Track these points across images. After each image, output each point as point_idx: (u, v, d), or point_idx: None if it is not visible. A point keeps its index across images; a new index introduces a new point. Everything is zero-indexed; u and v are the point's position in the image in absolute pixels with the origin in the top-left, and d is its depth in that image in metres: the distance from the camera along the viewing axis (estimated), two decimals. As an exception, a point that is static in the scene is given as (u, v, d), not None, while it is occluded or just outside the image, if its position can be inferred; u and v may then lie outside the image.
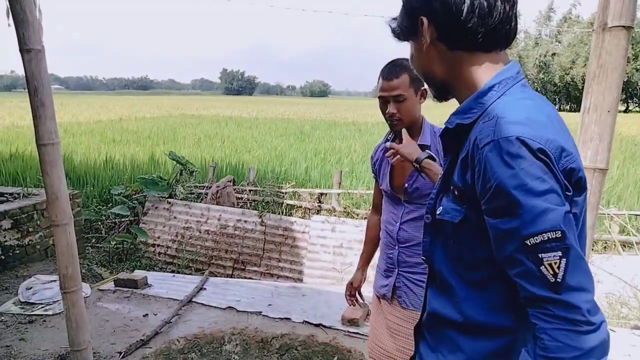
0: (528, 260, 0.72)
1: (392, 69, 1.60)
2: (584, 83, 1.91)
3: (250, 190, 7.15)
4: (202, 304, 3.59)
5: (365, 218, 5.95)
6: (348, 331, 3.12)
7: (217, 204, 6.57)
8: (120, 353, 2.78)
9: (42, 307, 3.41)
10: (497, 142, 0.74)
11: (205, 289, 3.94)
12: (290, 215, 6.54)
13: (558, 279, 0.71)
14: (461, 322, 0.89)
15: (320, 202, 6.83)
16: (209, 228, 6.28)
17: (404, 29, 0.93)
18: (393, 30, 0.97)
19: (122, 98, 69.31)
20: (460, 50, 0.87)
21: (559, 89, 44.52)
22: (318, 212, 6.61)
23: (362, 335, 3.06)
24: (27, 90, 1.91)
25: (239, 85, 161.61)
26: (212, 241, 6.21)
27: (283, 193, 7.01)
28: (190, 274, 5.57)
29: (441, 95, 0.96)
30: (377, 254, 1.93)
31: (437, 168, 1.46)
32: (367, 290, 2.03)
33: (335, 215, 6.26)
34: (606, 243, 5.40)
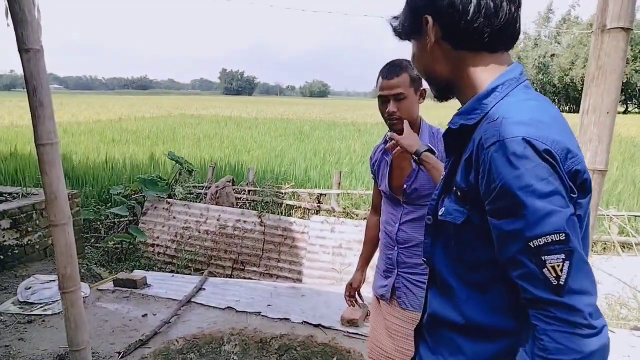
0: (531, 262, 0.72)
1: (393, 69, 1.61)
2: (583, 84, 1.91)
3: (249, 191, 7.16)
4: (201, 304, 3.59)
5: (364, 219, 5.95)
6: (347, 332, 3.12)
7: (216, 205, 6.57)
8: (120, 353, 2.78)
9: (41, 307, 3.41)
10: (503, 143, 0.74)
11: (204, 289, 3.94)
12: (290, 215, 6.54)
13: (561, 282, 0.71)
14: (462, 324, 0.88)
15: (319, 202, 6.83)
16: (209, 228, 6.28)
17: (407, 28, 0.93)
18: (395, 29, 0.96)
19: (122, 98, 69.30)
20: (465, 51, 0.86)
21: (559, 91, 44.55)
22: (317, 212, 6.62)
23: (362, 336, 3.06)
24: (26, 90, 1.91)
25: (238, 86, 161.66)
26: (211, 241, 6.21)
27: (282, 193, 7.02)
28: (189, 274, 5.57)
29: (442, 96, 0.96)
30: (377, 255, 1.93)
31: (435, 161, 1.45)
32: (367, 291, 2.03)
33: (334, 216, 6.26)
34: (606, 244, 5.41)
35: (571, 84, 42.66)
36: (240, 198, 6.99)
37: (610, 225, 5.56)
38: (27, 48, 1.86)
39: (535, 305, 0.73)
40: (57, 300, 3.42)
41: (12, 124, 17.73)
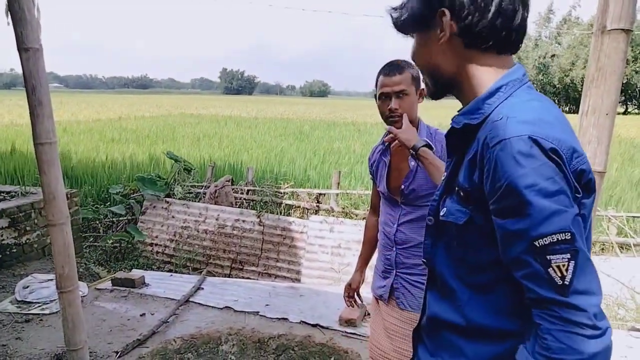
0: (536, 261, 0.72)
1: (394, 66, 1.61)
2: (583, 85, 1.91)
3: (248, 190, 7.15)
4: (199, 303, 3.58)
5: (363, 218, 5.94)
6: (345, 332, 3.11)
7: (215, 204, 6.57)
8: (117, 353, 2.77)
9: (39, 306, 3.40)
10: (509, 141, 0.73)
11: (202, 288, 3.94)
12: (289, 215, 6.53)
13: (566, 282, 0.70)
14: (464, 326, 0.87)
15: (318, 202, 6.82)
16: (207, 228, 6.27)
17: (416, 20, 0.89)
18: (396, 20, 0.93)
19: (122, 97, 69.24)
20: (475, 49, 0.86)
21: (558, 91, 44.54)
22: (316, 212, 6.61)
23: (360, 335, 3.06)
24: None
25: (238, 85, 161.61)
26: (210, 241, 6.20)
27: (281, 193, 7.01)
28: (187, 273, 5.57)
29: (439, 93, 0.95)
30: (376, 255, 1.93)
31: (433, 157, 1.44)
32: (366, 291, 2.03)
33: (333, 216, 6.26)
34: (604, 245, 5.41)
35: (571, 85, 42.66)
36: (239, 197, 6.99)
37: (609, 226, 5.57)
38: (27, 47, 1.85)
39: (539, 305, 0.73)
40: (54, 299, 3.41)
41: (12, 122, 17.70)
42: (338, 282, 5.21)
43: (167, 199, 6.67)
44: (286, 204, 6.80)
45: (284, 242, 5.95)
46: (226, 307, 3.51)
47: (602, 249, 5.40)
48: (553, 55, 44.10)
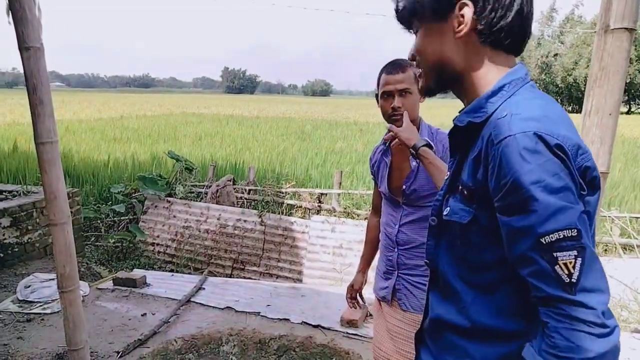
0: (542, 259, 0.71)
1: (397, 65, 1.61)
2: (586, 84, 1.89)
3: (250, 190, 7.15)
4: (200, 303, 3.58)
5: (365, 219, 5.93)
6: (347, 332, 3.10)
7: (216, 203, 6.57)
8: (118, 353, 2.77)
9: (41, 306, 3.40)
10: (514, 137, 0.73)
11: (204, 288, 3.93)
12: (290, 215, 6.53)
13: (573, 279, 0.69)
14: (468, 328, 0.86)
15: (320, 202, 6.81)
16: (209, 227, 6.27)
17: (433, 9, 0.86)
18: (402, 9, 0.90)
19: (123, 96, 69.34)
20: (488, 46, 0.85)
21: (561, 90, 44.37)
22: (318, 212, 6.60)
23: (361, 336, 3.05)
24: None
25: (240, 84, 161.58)
26: (211, 240, 6.20)
27: (283, 193, 7.00)
28: (189, 273, 5.57)
29: (439, 90, 0.93)
30: (378, 256, 1.92)
31: (433, 157, 1.43)
32: (368, 292, 2.02)
33: (335, 216, 6.25)
34: (607, 246, 5.38)
35: (574, 84, 42.49)
36: (241, 197, 6.99)
37: (612, 227, 5.54)
38: (27, 46, 1.85)
39: (546, 303, 0.72)
40: (56, 299, 3.42)
41: (14, 121, 17.75)
42: (340, 283, 5.20)
43: (169, 199, 6.68)
44: (288, 204, 6.80)
45: (285, 242, 5.95)
46: (227, 307, 3.50)
47: (605, 250, 5.37)
48: (556, 55, 43.95)
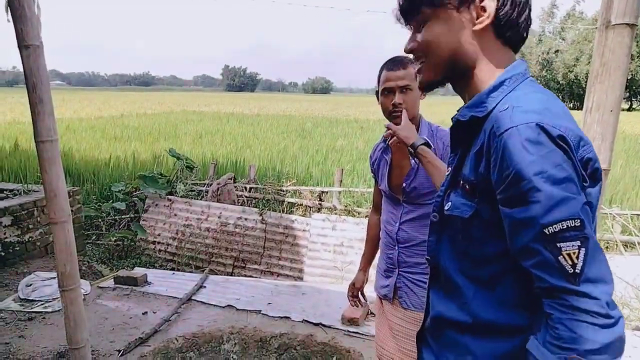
0: (546, 249, 0.71)
1: (398, 62, 1.60)
2: (587, 81, 1.89)
3: (250, 188, 7.15)
4: (201, 302, 3.58)
5: (366, 216, 5.93)
6: (348, 331, 3.10)
7: (217, 202, 6.57)
8: (119, 351, 2.78)
9: (42, 304, 3.41)
10: (517, 129, 0.73)
11: (205, 287, 3.94)
12: (291, 213, 6.53)
13: (577, 270, 0.69)
14: (470, 324, 0.86)
15: (321, 200, 6.81)
16: (210, 226, 6.28)
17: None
18: None
19: (124, 94, 69.30)
20: (499, 40, 0.85)
21: (562, 87, 44.28)
22: (319, 210, 6.60)
23: (362, 335, 3.05)
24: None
25: (240, 82, 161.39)
26: (212, 239, 6.21)
27: (284, 191, 7.00)
28: (190, 271, 5.57)
29: (442, 83, 0.92)
30: (378, 254, 1.92)
31: (432, 156, 1.42)
32: (370, 290, 2.02)
33: (336, 214, 6.25)
34: (608, 243, 5.37)
35: (575, 81, 42.40)
36: (241, 195, 6.99)
37: (613, 224, 5.53)
38: (27, 44, 1.84)
39: (550, 294, 0.72)
40: (57, 298, 3.42)
41: (14, 120, 17.76)
42: (340, 281, 5.20)
43: (170, 197, 6.68)
44: (288, 202, 6.80)
45: (286, 240, 5.95)
46: (228, 305, 3.50)
47: (607, 247, 5.36)
48: (557, 51, 43.84)
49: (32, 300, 3.46)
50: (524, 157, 0.71)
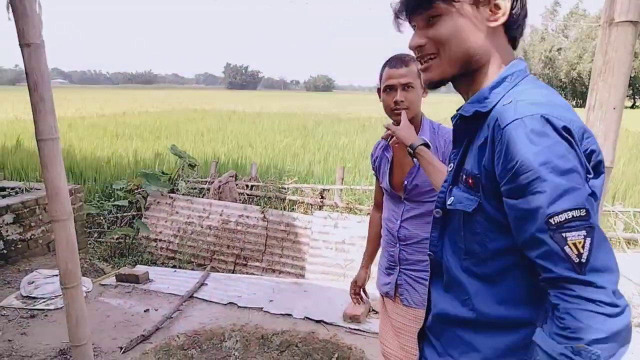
0: (552, 239, 0.70)
1: (400, 59, 1.60)
2: (590, 78, 1.88)
3: (252, 186, 7.15)
4: (203, 299, 3.59)
5: (367, 214, 5.93)
6: (349, 328, 3.11)
7: (219, 199, 6.57)
8: (121, 348, 2.78)
9: (44, 302, 3.42)
10: (521, 120, 0.73)
11: (206, 284, 3.94)
12: (293, 210, 6.53)
13: (583, 259, 0.69)
14: (473, 320, 0.86)
15: (322, 197, 6.81)
16: (211, 223, 6.28)
17: None
18: None
19: (126, 92, 69.38)
20: (506, 37, 0.87)
21: (565, 85, 44.08)
22: (320, 207, 6.60)
23: (364, 332, 3.05)
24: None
25: (242, 80, 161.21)
26: (213, 236, 6.21)
27: (285, 188, 7.01)
28: (191, 269, 5.58)
29: (446, 82, 0.92)
30: (380, 252, 1.92)
31: (431, 157, 1.42)
32: (372, 287, 2.02)
33: (337, 211, 6.24)
34: (611, 240, 5.37)
35: (578, 79, 42.22)
36: (243, 193, 6.99)
37: (615, 221, 5.52)
38: (28, 42, 1.84)
39: (556, 285, 0.71)
40: (59, 295, 3.43)
41: (16, 118, 17.81)
42: (342, 278, 5.20)
43: (171, 195, 6.69)
44: (290, 200, 6.80)
45: (287, 238, 5.95)
46: (230, 303, 3.51)
47: (609, 244, 5.35)
48: (559, 49, 43.64)
49: (34, 298, 3.47)
50: (529, 148, 0.71)
